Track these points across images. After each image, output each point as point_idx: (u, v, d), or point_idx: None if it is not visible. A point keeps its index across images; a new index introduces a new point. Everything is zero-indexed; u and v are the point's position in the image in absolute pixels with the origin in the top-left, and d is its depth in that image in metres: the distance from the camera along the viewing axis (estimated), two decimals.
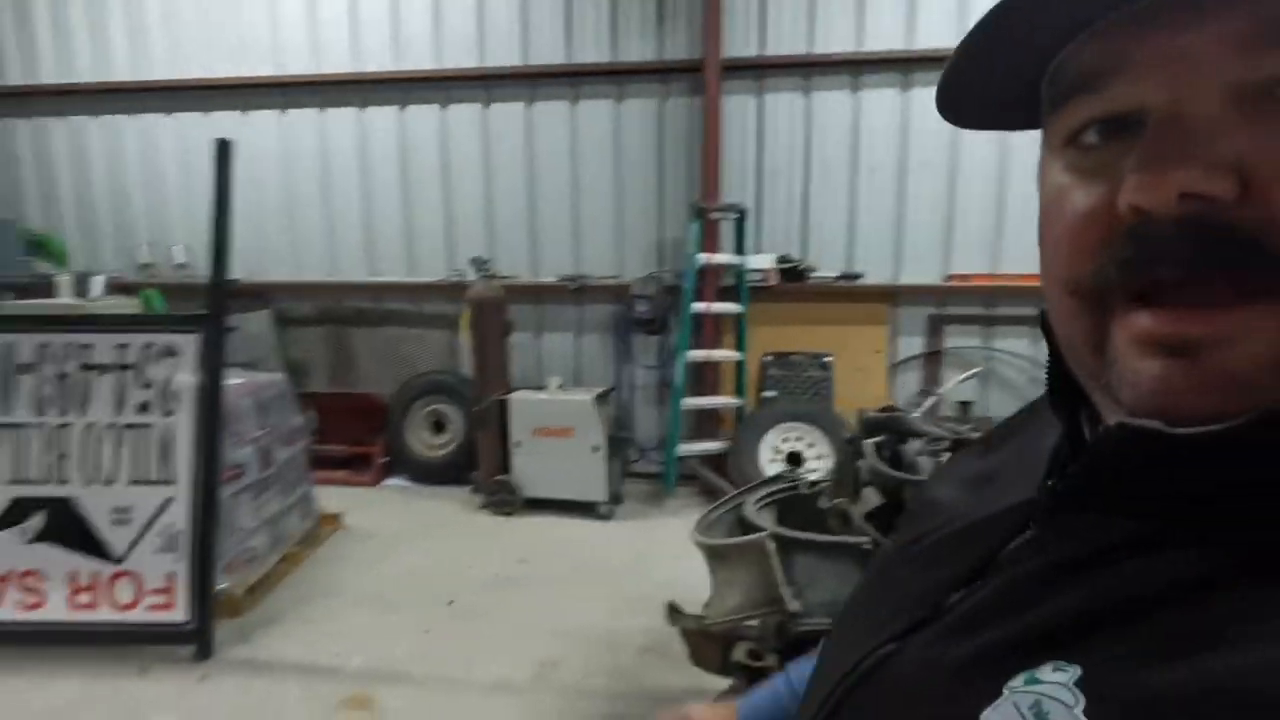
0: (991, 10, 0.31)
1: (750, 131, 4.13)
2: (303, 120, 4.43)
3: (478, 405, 3.81)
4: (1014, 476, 0.46)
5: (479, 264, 4.14)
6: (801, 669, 0.72)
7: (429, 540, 3.45)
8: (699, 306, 3.90)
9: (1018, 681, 0.31)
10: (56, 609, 2.40)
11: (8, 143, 4.67)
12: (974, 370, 3.99)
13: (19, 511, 2.44)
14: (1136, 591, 0.30)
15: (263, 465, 2.96)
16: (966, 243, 4.03)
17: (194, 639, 2.40)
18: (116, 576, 2.41)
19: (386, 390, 4.43)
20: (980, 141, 3.85)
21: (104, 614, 2.41)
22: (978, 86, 0.37)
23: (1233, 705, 0.24)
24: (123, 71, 4.48)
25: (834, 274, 4.12)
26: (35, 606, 2.40)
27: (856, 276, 4.11)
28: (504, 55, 4.20)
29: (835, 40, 3.96)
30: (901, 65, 3.93)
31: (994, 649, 0.33)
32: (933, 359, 4.15)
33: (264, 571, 2.87)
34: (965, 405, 3.97)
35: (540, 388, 3.93)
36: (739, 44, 4.03)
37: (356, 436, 4.36)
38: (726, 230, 4.07)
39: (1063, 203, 0.33)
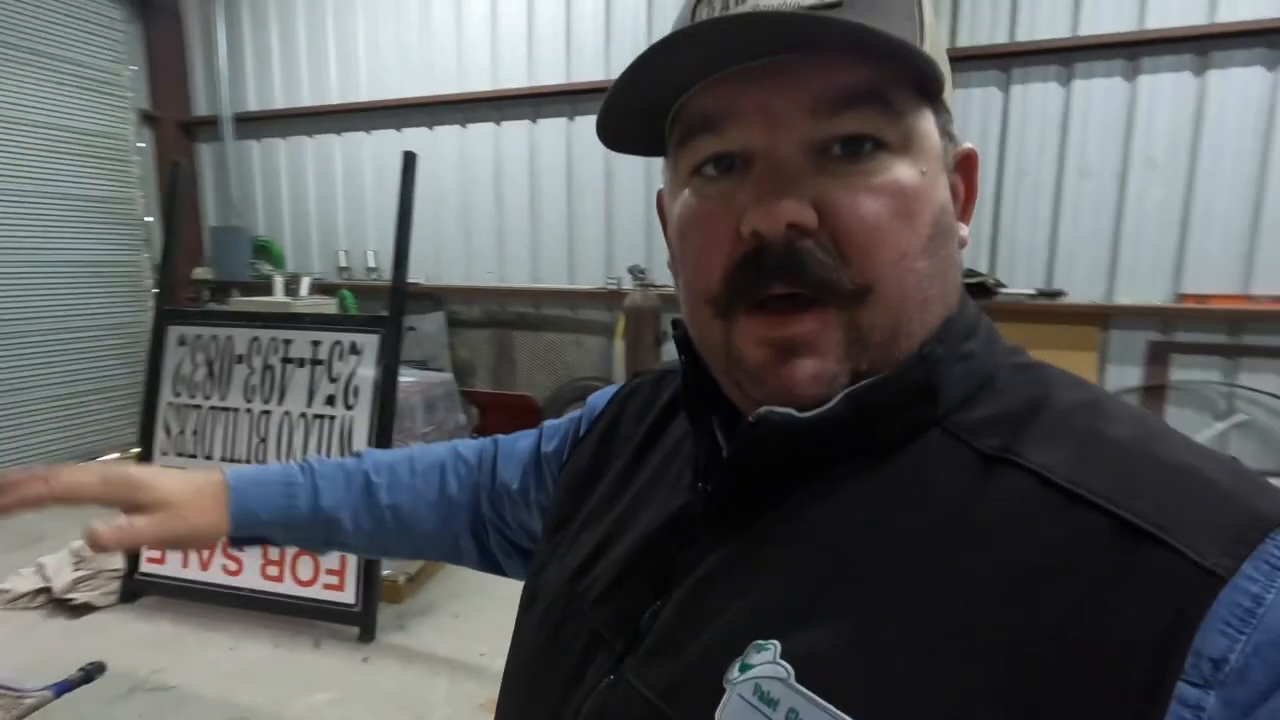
0: (630, 65, 0.38)
1: None
2: (481, 133, 4.69)
3: None
4: (647, 484, 0.51)
5: (636, 273, 4.13)
6: (353, 465, 0.67)
7: None
8: None
9: (734, 673, 0.36)
10: (251, 577, 2.66)
11: (245, 161, 5.41)
12: (1235, 419, 3.30)
13: None
14: (785, 566, 0.38)
15: None
16: (1205, 257, 3.36)
17: (359, 621, 2.56)
18: (299, 554, 2.63)
19: (542, 393, 4.56)
20: (1235, 135, 3.21)
21: (288, 587, 2.63)
22: (627, 122, 0.42)
23: (879, 650, 0.33)
24: (334, 95, 5.01)
25: (1029, 290, 3.62)
26: (236, 573, 2.68)
27: (1057, 294, 3.58)
28: None
29: (1042, 25, 3.49)
30: (1127, 49, 3.38)
31: (704, 652, 0.38)
32: (1154, 394, 3.51)
33: (422, 562, 3.02)
34: None
35: None
36: None
37: None
38: None
39: (694, 225, 0.41)
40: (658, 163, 0.45)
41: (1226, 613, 0.29)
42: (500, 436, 0.71)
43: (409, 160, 2.64)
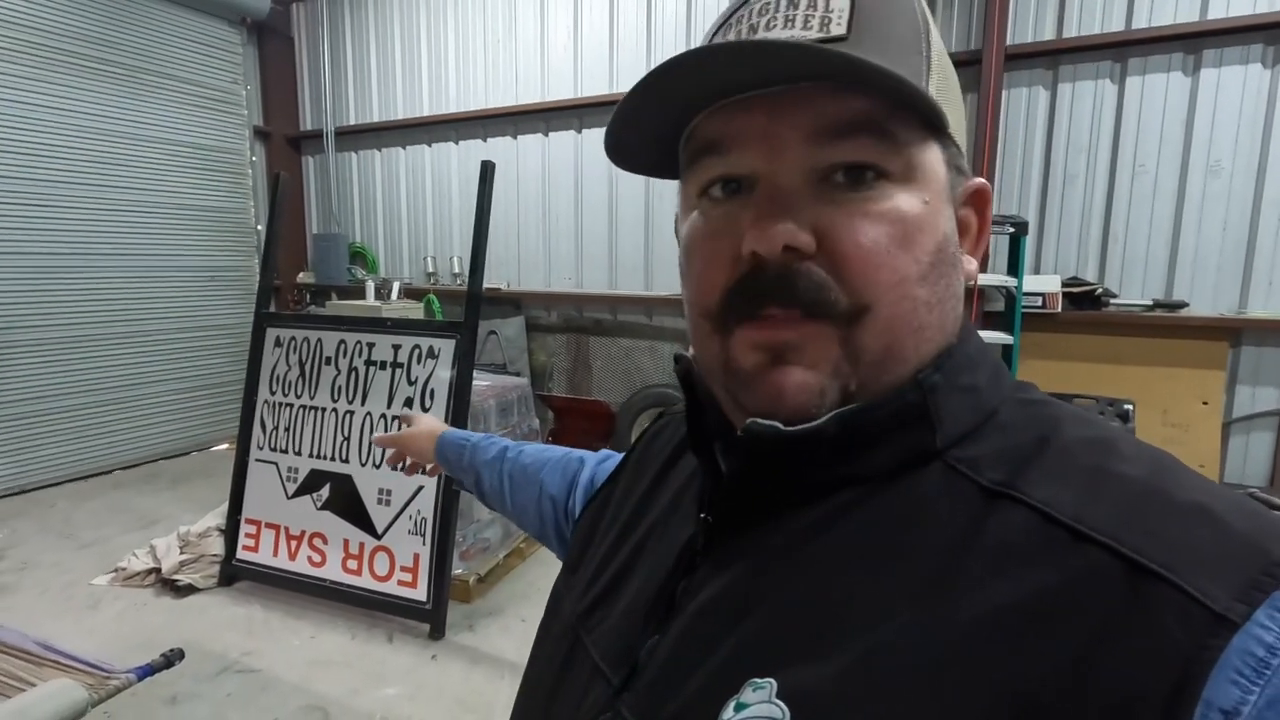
0: (637, 84, 0.38)
1: (1037, 130, 3.49)
2: (562, 141, 4.77)
3: None
4: (659, 520, 0.51)
5: None
6: (508, 455, 0.87)
7: None
8: None
9: (729, 713, 0.36)
10: (333, 569, 2.79)
11: (345, 172, 5.72)
12: None
13: (315, 481, 2.88)
14: (783, 599, 0.38)
15: None
16: None
17: (430, 618, 2.62)
18: (377, 550, 2.72)
19: (616, 399, 4.57)
20: None
21: (366, 581, 2.73)
22: (634, 143, 0.44)
23: (876, 689, 0.32)
24: (425, 108, 5.23)
25: (1145, 301, 3.30)
26: (319, 565, 2.82)
27: (1178, 306, 3.25)
28: None
29: (1164, 10, 3.18)
30: (1261, 33, 3.02)
31: (700, 690, 0.38)
32: None
33: (494, 563, 3.07)
34: None
35: None
36: (1029, 27, 3.43)
37: (586, 441, 4.54)
38: (998, 246, 3.49)
39: (699, 244, 0.42)
40: None
41: (1239, 661, 0.28)
42: (590, 459, 0.82)
43: (486, 170, 2.69)
